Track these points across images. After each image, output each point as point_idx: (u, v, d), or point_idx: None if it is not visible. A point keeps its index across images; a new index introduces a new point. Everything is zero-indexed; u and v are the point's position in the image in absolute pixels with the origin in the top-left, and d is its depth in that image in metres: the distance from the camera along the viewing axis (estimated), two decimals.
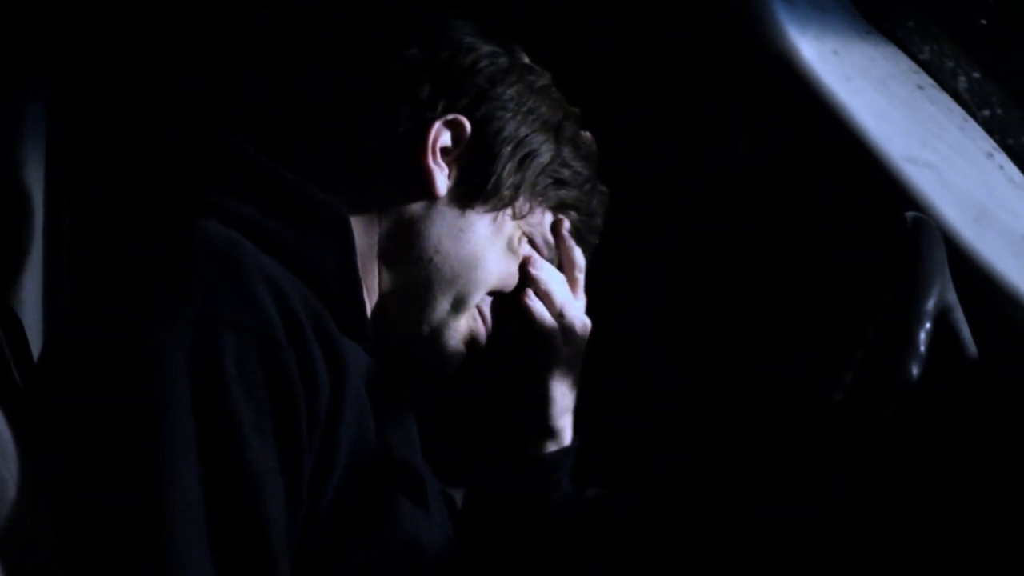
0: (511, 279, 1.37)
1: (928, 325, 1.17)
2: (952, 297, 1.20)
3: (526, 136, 1.33)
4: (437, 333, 1.32)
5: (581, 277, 1.42)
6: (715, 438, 1.75)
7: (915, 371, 1.16)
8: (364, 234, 1.28)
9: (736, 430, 1.68)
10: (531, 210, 1.36)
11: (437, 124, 1.29)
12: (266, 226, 1.21)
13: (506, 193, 1.32)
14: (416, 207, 1.30)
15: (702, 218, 1.75)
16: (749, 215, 1.73)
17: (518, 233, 1.35)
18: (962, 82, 1.58)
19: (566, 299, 1.39)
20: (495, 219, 1.32)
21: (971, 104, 1.57)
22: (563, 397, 1.41)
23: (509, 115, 1.32)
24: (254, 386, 1.08)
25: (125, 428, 1.05)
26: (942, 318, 1.19)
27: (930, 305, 1.18)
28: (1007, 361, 1.28)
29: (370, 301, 1.29)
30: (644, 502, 1.54)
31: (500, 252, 1.34)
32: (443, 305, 1.31)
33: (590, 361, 1.44)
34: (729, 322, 1.72)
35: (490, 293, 1.35)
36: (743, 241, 1.72)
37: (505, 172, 1.31)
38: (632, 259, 1.78)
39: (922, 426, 1.17)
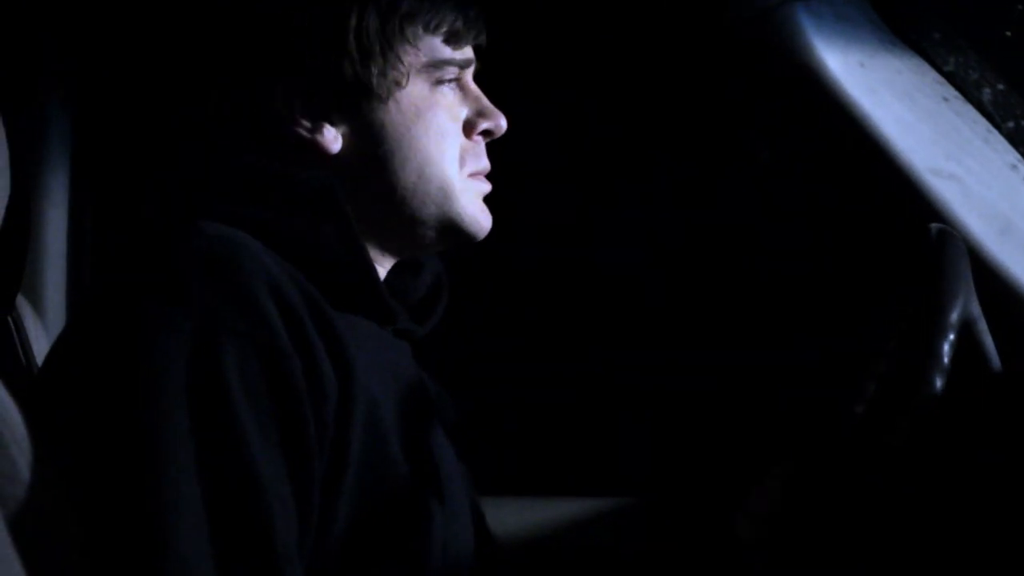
0: (459, 117, 1.31)
1: (952, 337, 1.17)
2: (976, 309, 1.20)
3: (342, 21, 1.24)
4: (449, 226, 1.29)
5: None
6: (733, 448, 1.75)
7: (938, 383, 1.15)
8: (353, 205, 1.24)
9: (757, 440, 1.68)
10: (409, 61, 1.27)
11: (279, 102, 1.25)
12: (264, 217, 1.20)
13: (379, 87, 1.25)
14: (337, 167, 1.25)
15: (726, 230, 1.75)
16: (773, 226, 1.73)
17: (418, 86, 1.28)
18: (987, 94, 1.58)
19: None
20: (391, 110, 1.26)
21: (996, 116, 1.57)
22: None
23: (315, 25, 1.24)
24: (257, 394, 1.07)
25: (125, 440, 1.04)
26: (966, 330, 1.18)
27: (954, 317, 1.17)
28: None
29: (378, 250, 1.28)
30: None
31: (425, 121, 1.27)
32: (431, 210, 1.28)
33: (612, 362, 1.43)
34: (754, 334, 1.72)
35: (473, 135, 1.31)
36: (768, 253, 1.72)
37: (360, 74, 1.24)
38: (657, 271, 1.78)
39: (945, 439, 1.17)
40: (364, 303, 1.23)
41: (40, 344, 1.49)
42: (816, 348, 1.61)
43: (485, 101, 1.33)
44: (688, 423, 1.78)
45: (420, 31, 1.28)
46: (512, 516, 1.64)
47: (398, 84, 1.26)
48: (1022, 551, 1.13)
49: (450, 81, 1.30)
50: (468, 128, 1.31)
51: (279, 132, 1.26)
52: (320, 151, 1.25)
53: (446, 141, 1.29)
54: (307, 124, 1.25)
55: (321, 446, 1.11)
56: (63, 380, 1.14)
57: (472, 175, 1.31)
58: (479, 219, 1.31)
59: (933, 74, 1.57)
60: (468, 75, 1.33)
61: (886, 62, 1.54)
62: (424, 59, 1.28)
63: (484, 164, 1.33)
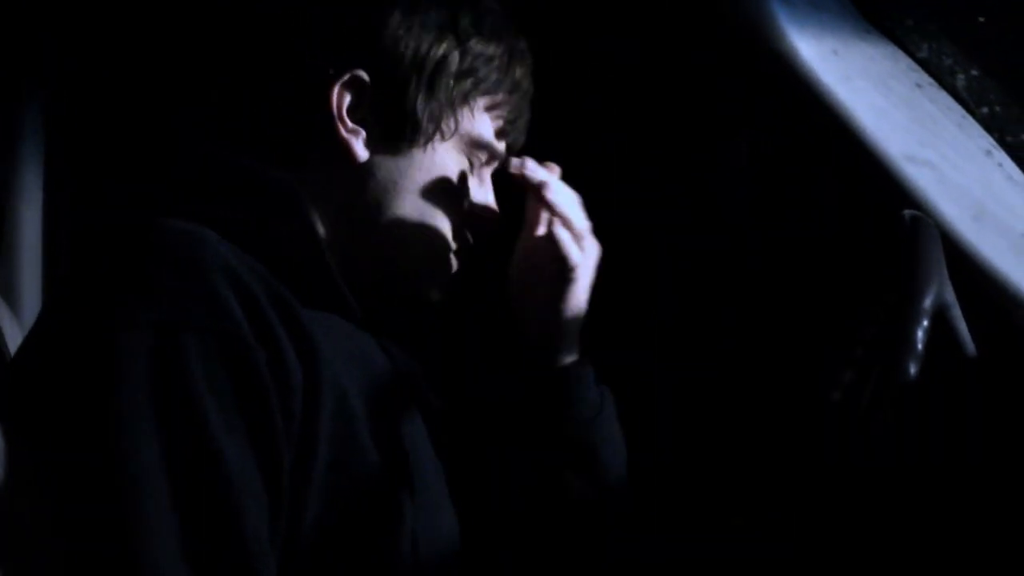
0: (473, 195, 1.34)
1: (926, 323, 1.17)
2: (950, 295, 1.20)
3: (425, 55, 1.28)
4: (417, 282, 1.33)
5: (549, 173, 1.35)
6: (709, 436, 1.75)
7: (913, 369, 1.16)
8: (324, 213, 1.27)
9: (733, 429, 1.68)
10: (459, 121, 1.31)
11: (335, 90, 1.27)
12: (224, 212, 1.20)
13: (428, 126, 1.28)
14: (349, 178, 1.28)
15: (700, 218, 1.75)
16: (748, 214, 1.73)
17: (454, 152, 1.32)
18: (961, 80, 1.58)
19: (583, 221, 1.34)
20: (426, 154, 1.29)
21: (970, 102, 1.57)
22: (579, 315, 1.36)
23: (400, 44, 1.27)
24: (222, 386, 1.07)
25: (91, 436, 1.04)
26: (940, 316, 1.19)
27: (927, 303, 1.18)
28: (1006, 359, 1.28)
29: (346, 271, 1.27)
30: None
31: (446, 181, 1.31)
32: (412, 258, 1.31)
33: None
34: (726, 322, 1.72)
35: (468, 221, 1.34)
36: (742, 241, 1.72)
37: (418, 106, 1.27)
38: (627, 258, 1.78)
39: (920, 424, 1.17)
40: (324, 299, 1.24)
41: (17, 343, 1.48)
42: (793, 336, 1.62)
43: (492, 192, 1.38)
44: (669, 414, 1.78)
45: (483, 104, 1.33)
46: None
47: (441, 135, 1.30)
48: (996, 532, 1.13)
49: (479, 160, 1.35)
50: (471, 209, 1.35)
51: (303, 124, 1.28)
52: (348, 153, 1.27)
53: (454, 205, 1.32)
54: (349, 124, 1.27)
55: (288, 437, 1.11)
56: (29, 377, 1.13)
57: (457, 246, 1.34)
58: (440, 292, 1.35)
59: (907, 61, 1.57)
60: (493, 163, 1.37)
61: (859, 49, 1.54)
62: (474, 130, 1.33)
63: (469, 241, 1.36)
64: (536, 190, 1.31)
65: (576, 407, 1.35)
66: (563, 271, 1.33)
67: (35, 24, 1.85)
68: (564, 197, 1.32)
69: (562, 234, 1.32)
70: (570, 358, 1.38)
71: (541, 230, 1.34)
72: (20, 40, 1.85)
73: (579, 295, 1.36)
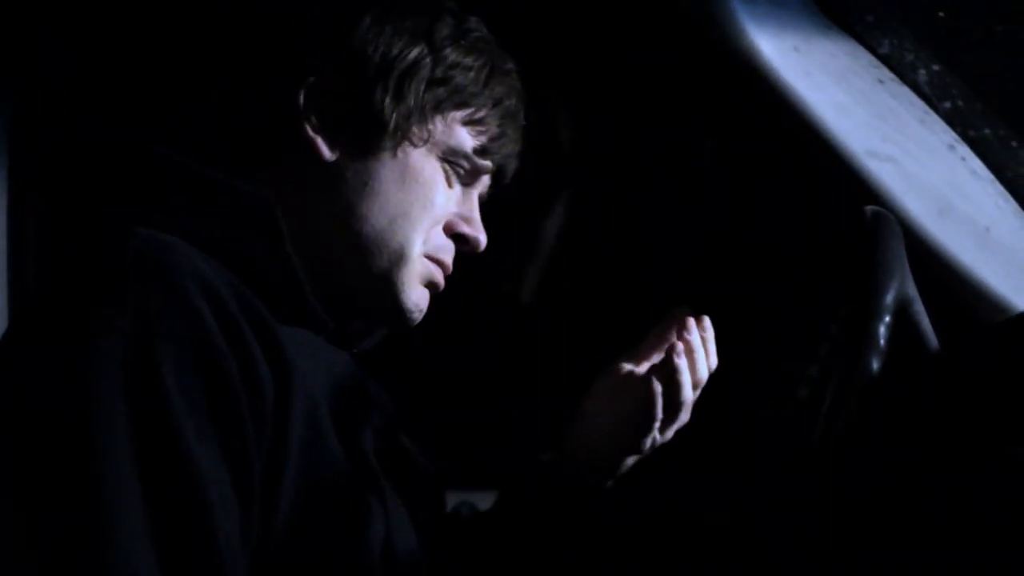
0: (448, 205, 1.32)
1: (888, 319, 1.18)
2: (912, 290, 1.21)
3: (394, 59, 1.27)
4: (388, 290, 1.30)
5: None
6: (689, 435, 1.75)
7: (875, 365, 1.16)
8: (294, 218, 1.25)
9: (700, 426, 1.68)
10: (433, 130, 1.29)
11: (302, 92, 1.26)
12: (197, 226, 1.19)
13: (395, 131, 1.27)
14: (319, 179, 1.27)
15: (665, 215, 1.75)
16: (712, 211, 1.73)
17: (430, 159, 1.30)
18: (922, 75, 1.58)
19: (688, 395, 1.34)
20: (397, 158, 1.28)
21: (932, 97, 1.58)
22: (621, 460, 1.37)
23: (369, 48, 1.27)
24: (194, 395, 1.07)
25: (63, 442, 1.05)
26: (902, 312, 1.19)
27: (889, 299, 1.18)
28: (969, 354, 1.28)
29: (318, 280, 1.26)
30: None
31: (418, 186, 1.29)
32: (382, 263, 1.28)
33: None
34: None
35: (446, 232, 1.33)
36: (707, 237, 1.72)
37: (384, 109, 1.26)
38: (597, 252, 1.78)
39: (883, 420, 1.18)
40: (295, 313, 1.23)
41: None
42: (758, 333, 1.62)
43: (477, 215, 1.35)
44: None
45: (460, 116, 1.31)
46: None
47: (411, 142, 1.28)
48: (960, 527, 1.14)
49: (459, 175, 1.33)
50: (449, 224, 1.33)
51: (271, 125, 1.27)
52: (314, 152, 1.26)
53: (427, 212, 1.30)
54: (315, 122, 1.26)
55: (260, 443, 1.11)
56: (1, 387, 1.12)
57: (430, 256, 1.32)
58: (415, 300, 1.31)
59: (868, 56, 1.58)
60: (477, 185, 1.35)
61: (820, 45, 1.54)
62: (450, 140, 1.31)
63: (445, 256, 1.33)
64: (687, 343, 1.33)
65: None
66: (648, 419, 1.34)
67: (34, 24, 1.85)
68: (701, 365, 1.34)
69: (656, 389, 1.32)
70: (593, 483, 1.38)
71: (657, 385, 1.33)
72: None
73: (642, 446, 1.36)
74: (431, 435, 1.42)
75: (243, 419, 1.09)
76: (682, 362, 1.32)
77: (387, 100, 1.27)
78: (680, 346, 1.33)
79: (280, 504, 1.12)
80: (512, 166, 1.38)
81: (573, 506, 1.36)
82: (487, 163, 1.34)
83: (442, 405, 1.76)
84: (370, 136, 1.27)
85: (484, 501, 1.50)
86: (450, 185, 1.33)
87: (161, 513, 1.04)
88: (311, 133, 1.26)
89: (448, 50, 1.29)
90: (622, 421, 1.35)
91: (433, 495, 1.40)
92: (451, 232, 1.33)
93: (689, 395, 1.34)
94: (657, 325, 1.40)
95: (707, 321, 1.36)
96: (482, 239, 1.35)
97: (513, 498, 1.40)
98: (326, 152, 1.27)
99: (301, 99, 1.26)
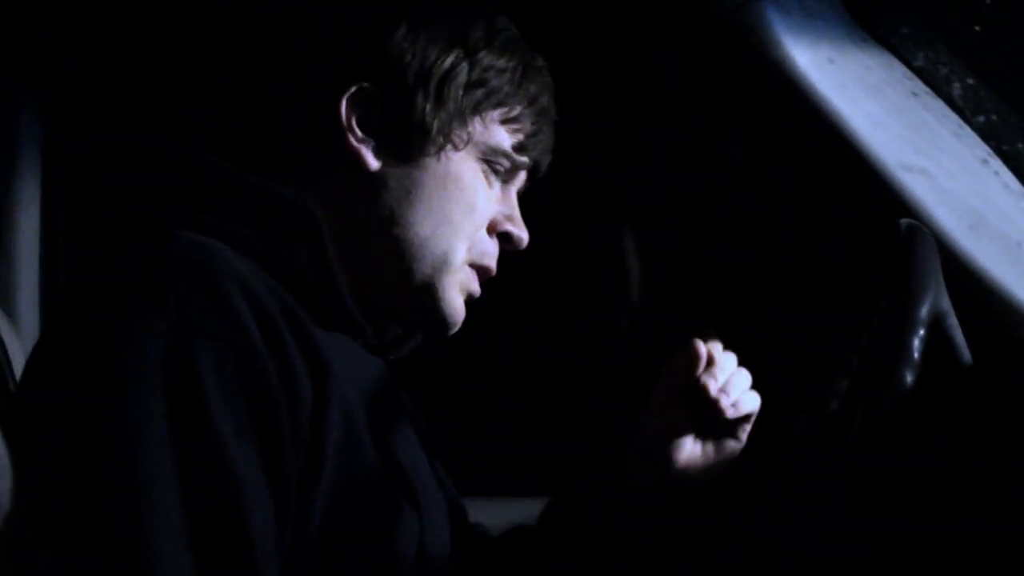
0: (489, 207, 1.33)
1: (922, 332, 1.18)
2: (946, 304, 1.21)
3: (432, 65, 1.28)
4: (428, 298, 1.31)
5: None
6: None
7: (909, 378, 1.16)
8: (335, 226, 1.26)
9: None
10: (472, 132, 1.31)
11: (343, 102, 1.28)
12: (239, 231, 1.21)
13: (437, 136, 1.29)
14: (362, 187, 1.28)
15: (697, 226, 1.75)
16: (745, 223, 1.73)
17: (470, 161, 1.32)
18: (956, 89, 1.58)
19: (726, 403, 1.35)
20: (439, 163, 1.29)
21: (966, 110, 1.57)
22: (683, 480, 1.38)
23: (406, 56, 1.28)
24: (233, 395, 1.08)
25: (102, 444, 1.05)
26: (936, 325, 1.19)
27: (924, 312, 1.18)
28: (1002, 368, 1.28)
29: (356, 286, 1.27)
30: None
31: (460, 192, 1.30)
32: (425, 270, 1.29)
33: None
34: (723, 330, 1.73)
35: (488, 234, 1.34)
36: (739, 248, 1.72)
37: (426, 115, 1.28)
38: (628, 270, 1.78)
39: (916, 433, 1.17)
40: (334, 319, 1.24)
41: (13, 350, 1.48)
42: (789, 345, 1.62)
43: (518, 212, 1.37)
44: None
45: (498, 116, 1.32)
46: (496, 517, 1.64)
47: (453, 144, 1.29)
48: (994, 540, 1.14)
49: (498, 173, 1.34)
50: (492, 223, 1.34)
51: (313, 137, 1.28)
52: (359, 162, 1.28)
53: (470, 217, 1.31)
54: (359, 133, 1.28)
55: (296, 447, 1.12)
56: (41, 386, 1.14)
57: (474, 263, 1.33)
58: (455, 308, 1.32)
59: (902, 69, 1.57)
60: (515, 181, 1.37)
61: (855, 58, 1.54)
62: (490, 140, 1.32)
63: (489, 261, 1.34)
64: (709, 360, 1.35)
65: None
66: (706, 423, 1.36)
67: (30, 28, 1.85)
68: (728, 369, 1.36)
69: (717, 397, 1.34)
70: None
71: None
72: (15, 45, 1.85)
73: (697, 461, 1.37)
74: (451, 446, 1.42)
75: (281, 421, 1.10)
76: (720, 371, 1.33)
77: (428, 106, 1.28)
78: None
79: (315, 506, 1.13)
80: (546, 161, 1.39)
81: (631, 522, 1.37)
82: (525, 159, 1.35)
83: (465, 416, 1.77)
84: (413, 143, 1.29)
85: (480, 507, 1.50)
86: (490, 185, 1.34)
87: (197, 513, 1.05)
88: (355, 143, 1.28)
89: (482, 53, 1.31)
90: (673, 429, 1.36)
91: (456, 503, 1.41)
92: (494, 231, 1.35)
93: (727, 403, 1.34)
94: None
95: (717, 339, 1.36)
96: (524, 236, 1.36)
97: (569, 512, 1.40)
98: (371, 161, 1.28)
99: (343, 108, 1.27)
